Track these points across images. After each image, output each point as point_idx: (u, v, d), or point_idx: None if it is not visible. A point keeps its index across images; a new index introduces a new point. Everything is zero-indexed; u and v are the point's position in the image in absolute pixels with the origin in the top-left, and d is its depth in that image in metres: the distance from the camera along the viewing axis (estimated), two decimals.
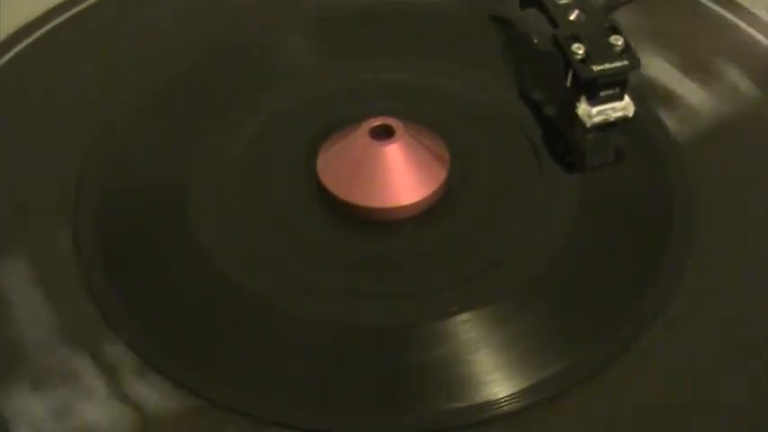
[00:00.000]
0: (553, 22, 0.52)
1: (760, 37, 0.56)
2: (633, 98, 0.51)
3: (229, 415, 0.42)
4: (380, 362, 0.44)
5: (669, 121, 0.52)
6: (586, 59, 0.50)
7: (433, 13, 0.59)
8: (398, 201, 0.48)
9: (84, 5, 0.60)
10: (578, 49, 0.50)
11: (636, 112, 0.51)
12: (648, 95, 0.53)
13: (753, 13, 0.57)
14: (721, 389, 0.43)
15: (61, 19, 0.59)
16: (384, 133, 0.49)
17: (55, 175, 0.51)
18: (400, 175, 0.48)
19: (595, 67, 0.50)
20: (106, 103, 0.54)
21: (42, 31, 0.58)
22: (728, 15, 0.58)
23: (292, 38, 0.59)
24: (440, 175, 0.49)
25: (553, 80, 0.52)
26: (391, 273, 0.47)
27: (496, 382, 0.43)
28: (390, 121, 0.49)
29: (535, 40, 0.56)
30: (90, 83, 0.56)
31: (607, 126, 0.51)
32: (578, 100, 0.51)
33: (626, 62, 0.50)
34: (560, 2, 0.53)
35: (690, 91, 0.54)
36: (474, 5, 0.59)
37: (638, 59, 0.50)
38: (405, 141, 0.49)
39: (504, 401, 0.42)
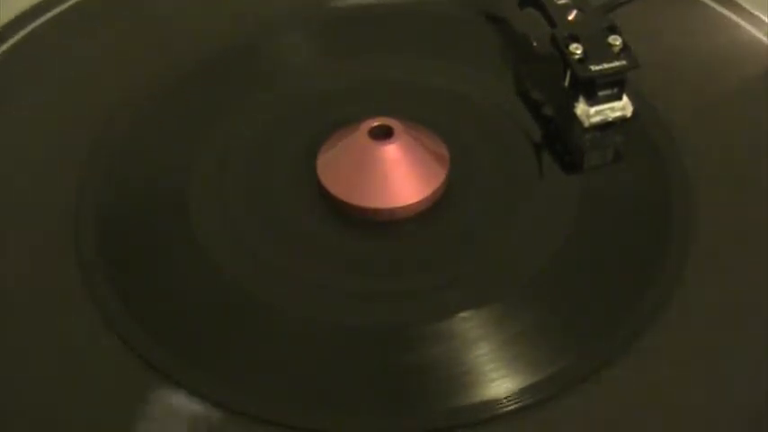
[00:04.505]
0: (551, 21, 0.53)
1: (760, 37, 0.56)
2: (632, 98, 0.51)
3: (229, 415, 0.42)
4: (380, 362, 0.44)
5: (669, 120, 0.52)
6: (585, 59, 0.50)
7: (433, 13, 0.59)
8: (398, 201, 0.48)
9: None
10: (576, 49, 0.50)
11: (634, 112, 0.51)
12: (648, 95, 0.53)
13: (753, 14, 0.57)
14: (721, 389, 0.43)
15: (61, 18, 0.59)
16: (383, 133, 0.49)
17: (55, 175, 0.51)
18: (400, 175, 0.48)
19: (593, 67, 0.50)
20: (106, 102, 0.54)
21: (42, 30, 0.58)
22: (729, 15, 0.58)
23: (292, 38, 0.59)
24: (440, 175, 0.49)
25: (552, 80, 0.52)
26: (391, 273, 0.47)
27: (496, 382, 0.43)
28: (390, 121, 0.49)
29: (534, 41, 0.56)
30: (90, 82, 0.56)
31: (606, 126, 0.51)
32: (577, 100, 0.51)
33: (624, 62, 0.50)
34: (559, 2, 0.53)
35: (689, 91, 0.54)
36: (474, 5, 0.59)
37: (637, 59, 0.50)
38: (404, 141, 0.49)
39: (505, 401, 0.42)
